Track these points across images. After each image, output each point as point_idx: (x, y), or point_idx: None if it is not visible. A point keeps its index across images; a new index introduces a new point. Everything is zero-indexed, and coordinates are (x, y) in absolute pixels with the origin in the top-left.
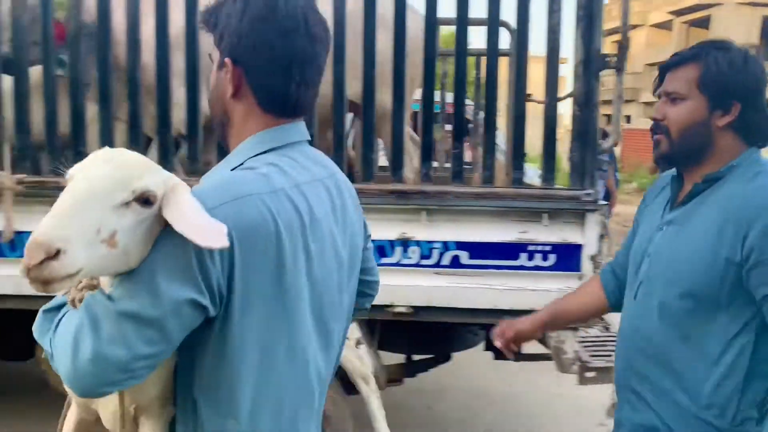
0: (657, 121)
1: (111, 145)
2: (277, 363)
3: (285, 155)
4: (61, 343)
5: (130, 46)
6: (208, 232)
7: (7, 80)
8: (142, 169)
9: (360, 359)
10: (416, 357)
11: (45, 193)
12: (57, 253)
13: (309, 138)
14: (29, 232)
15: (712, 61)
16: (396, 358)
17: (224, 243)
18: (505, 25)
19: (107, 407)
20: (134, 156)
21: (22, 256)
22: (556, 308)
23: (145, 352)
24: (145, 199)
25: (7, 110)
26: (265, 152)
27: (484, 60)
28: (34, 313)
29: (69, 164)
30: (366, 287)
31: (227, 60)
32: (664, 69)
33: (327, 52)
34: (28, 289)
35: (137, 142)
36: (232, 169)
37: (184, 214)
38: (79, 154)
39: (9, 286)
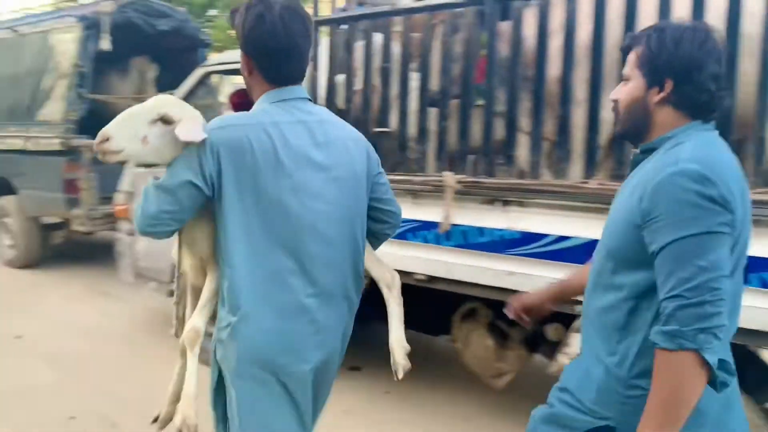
0: (613, 101)
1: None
2: (254, 236)
3: (278, 106)
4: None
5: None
6: (190, 134)
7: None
8: (170, 104)
9: (390, 272)
10: None
11: (478, 192)
12: (108, 139)
13: (305, 96)
14: (462, 225)
15: (648, 41)
16: None
17: (198, 138)
18: None
19: (187, 261)
20: (172, 98)
21: (455, 245)
22: (564, 282)
23: (165, 209)
24: (165, 120)
25: (450, 122)
26: (269, 104)
27: None
28: (459, 296)
29: (501, 167)
30: (382, 214)
31: (242, 53)
32: (623, 52)
33: (308, 37)
34: (459, 273)
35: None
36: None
37: (182, 126)
38: (510, 158)
39: (441, 270)
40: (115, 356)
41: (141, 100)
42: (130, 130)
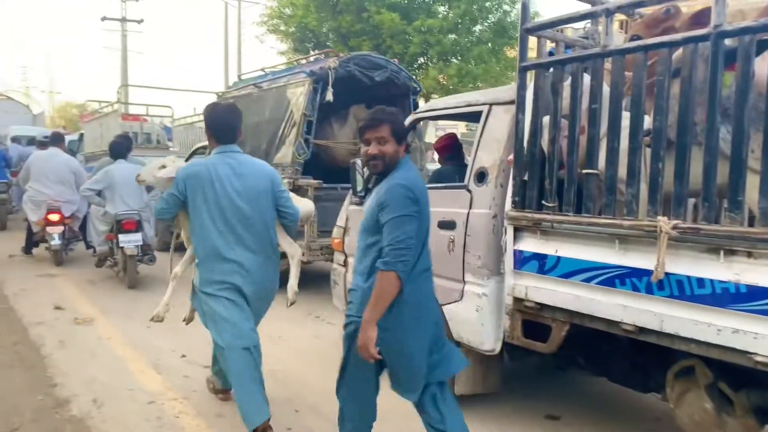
0: (374, 155)
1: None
2: (203, 228)
3: (218, 155)
4: None
5: None
6: (166, 173)
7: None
8: (167, 160)
9: (293, 248)
10: None
11: (697, 239)
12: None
13: (235, 150)
14: (677, 275)
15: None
16: None
17: (167, 176)
18: None
19: (184, 235)
20: (171, 157)
21: (668, 295)
22: None
23: (163, 207)
24: (162, 167)
25: (666, 163)
26: (214, 155)
27: None
28: (672, 351)
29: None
30: (283, 214)
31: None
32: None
33: (237, 119)
34: (674, 326)
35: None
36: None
37: (165, 170)
38: (736, 203)
39: (653, 321)
40: (323, 375)
41: (357, 144)
42: (150, 172)
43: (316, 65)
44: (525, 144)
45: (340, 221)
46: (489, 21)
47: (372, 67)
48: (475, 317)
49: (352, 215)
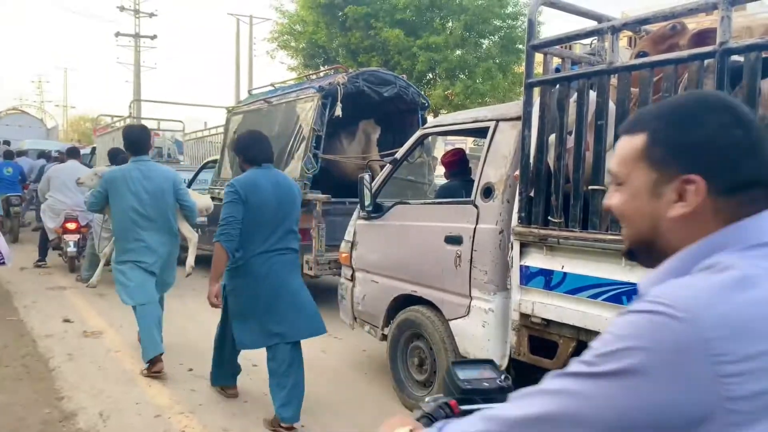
0: None
1: None
2: (119, 216)
3: (133, 163)
4: None
5: None
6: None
7: None
8: (100, 169)
9: (191, 233)
10: None
11: None
12: (78, 179)
13: (147, 159)
14: None
15: None
16: None
17: (94, 180)
18: None
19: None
20: (102, 168)
21: None
22: None
23: (92, 201)
24: (97, 174)
25: None
26: (130, 164)
27: None
28: None
29: None
30: (183, 207)
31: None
32: None
33: (147, 138)
34: None
35: None
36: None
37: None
38: None
39: None
40: (333, 391)
41: (365, 159)
42: (89, 177)
43: (326, 81)
44: (531, 160)
45: (348, 236)
46: (496, 37)
47: (380, 83)
48: (482, 333)
49: (360, 230)
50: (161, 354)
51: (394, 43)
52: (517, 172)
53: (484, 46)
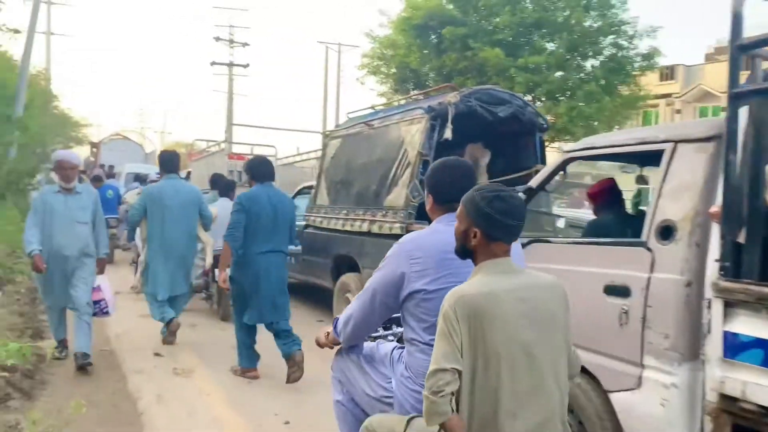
0: None
1: None
2: (153, 223)
3: (166, 181)
4: None
5: None
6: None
7: None
8: (139, 191)
9: (207, 237)
10: None
11: None
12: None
13: (178, 177)
14: None
15: None
16: None
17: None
18: None
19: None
20: (142, 188)
21: None
22: None
23: (134, 213)
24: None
25: None
26: (162, 181)
27: None
28: None
29: None
30: (202, 216)
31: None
32: None
33: (178, 158)
34: None
35: None
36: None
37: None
38: None
39: None
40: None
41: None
42: (132, 196)
43: (434, 101)
44: (739, 193)
45: None
46: (601, 57)
47: (495, 102)
48: (660, 413)
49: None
50: (175, 317)
51: (492, 63)
52: (714, 208)
53: (587, 67)
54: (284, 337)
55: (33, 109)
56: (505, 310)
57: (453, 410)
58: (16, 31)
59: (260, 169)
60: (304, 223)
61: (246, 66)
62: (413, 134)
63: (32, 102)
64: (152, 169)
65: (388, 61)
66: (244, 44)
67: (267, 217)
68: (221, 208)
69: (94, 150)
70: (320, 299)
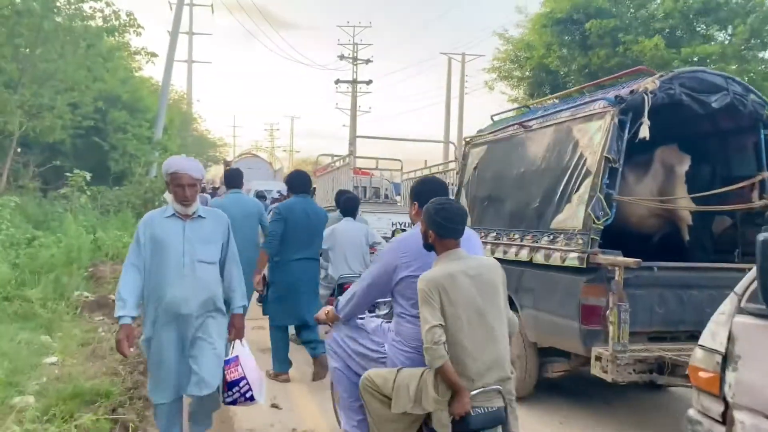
0: None
1: None
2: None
3: (295, 198)
4: None
5: None
6: None
7: None
8: None
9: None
10: None
11: None
12: None
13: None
14: None
15: None
16: None
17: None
18: None
19: None
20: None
21: None
22: None
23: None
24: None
25: None
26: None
27: None
28: None
29: None
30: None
31: None
32: None
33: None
34: None
35: None
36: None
37: None
38: None
39: None
40: None
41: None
42: None
43: (624, 90)
44: None
45: (713, 340)
46: None
47: (706, 89)
48: None
49: (746, 334)
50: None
51: (649, 56)
52: None
53: None
54: (312, 340)
55: (172, 130)
56: (460, 284)
57: (447, 354)
58: (154, 55)
59: (297, 182)
60: None
61: (368, 83)
62: (592, 134)
63: (171, 124)
64: (276, 186)
65: (522, 64)
66: (367, 61)
67: (302, 226)
68: (342, 232)
69: (227, 168)
70: None
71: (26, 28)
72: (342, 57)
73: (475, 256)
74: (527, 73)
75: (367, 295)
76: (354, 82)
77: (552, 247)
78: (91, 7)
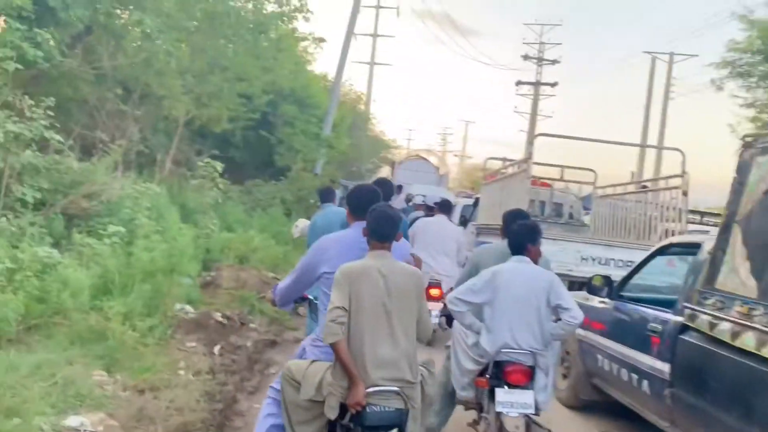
0: None
1: None
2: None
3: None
4: None
5: None
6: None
7: None
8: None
9: None
10: None
11: None
12: None
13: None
14: None
15: None
16: None
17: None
18: None
19: None
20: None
21: None
22: None
23: None
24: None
25: None
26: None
27: None
28: None
29: None
30: None
31: None
32: None
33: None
34: None
35: None
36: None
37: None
38: None
39: None
40: None
41: None
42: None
43: None
44: None
45: None
46: None
47: None
48: None
49: None
50: None
51: None
52: None
53: None
54: None
55: (341, 129)
56: (371, 278)
57: (342, 334)
58: (322, 40)
59: (327, 197)
60: (671, 318)
61: (553, 85)
62: None
63: (341, 122)
64: (438, 192)
65: None
66: (554, 61)
67: None
68: (509, 281)
69: (393, 170)
70: None
71: (201, 12)
72: (526, 57)
73: (397, 261)
74: None
75: (297, 283)
76: (537, 83)
77: None
78: None
